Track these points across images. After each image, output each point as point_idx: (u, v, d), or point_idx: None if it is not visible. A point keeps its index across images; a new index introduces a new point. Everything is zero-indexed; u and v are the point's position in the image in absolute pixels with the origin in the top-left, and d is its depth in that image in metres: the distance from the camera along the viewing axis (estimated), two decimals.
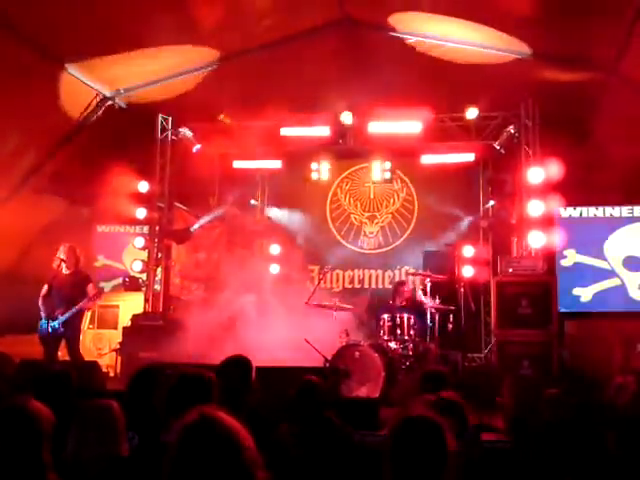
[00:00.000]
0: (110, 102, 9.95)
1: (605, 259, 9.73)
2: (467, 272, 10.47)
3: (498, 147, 10.33)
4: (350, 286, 11.74)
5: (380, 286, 11.69)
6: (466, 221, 11.39)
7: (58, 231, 9.85)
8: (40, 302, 8.11)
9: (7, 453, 2.56)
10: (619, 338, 8.41)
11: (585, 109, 9.50)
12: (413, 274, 10.51)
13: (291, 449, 3.73)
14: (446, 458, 2.29)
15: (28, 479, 2.55)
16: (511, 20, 8.06)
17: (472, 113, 10.13)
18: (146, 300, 10.72)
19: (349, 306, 9.22)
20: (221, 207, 11.79)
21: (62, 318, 7.97)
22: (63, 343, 8.19)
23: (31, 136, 9.41)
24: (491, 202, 11.28)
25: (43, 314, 8.06)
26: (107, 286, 11.52)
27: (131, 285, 11.27)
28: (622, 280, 9.68)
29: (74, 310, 8.00)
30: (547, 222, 9.55)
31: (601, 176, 9.40)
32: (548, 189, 9.62)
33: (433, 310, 9.08)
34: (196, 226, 11.52)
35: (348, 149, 11.24)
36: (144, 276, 10.97)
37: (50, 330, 7.98)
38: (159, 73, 9.50)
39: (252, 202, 12.54)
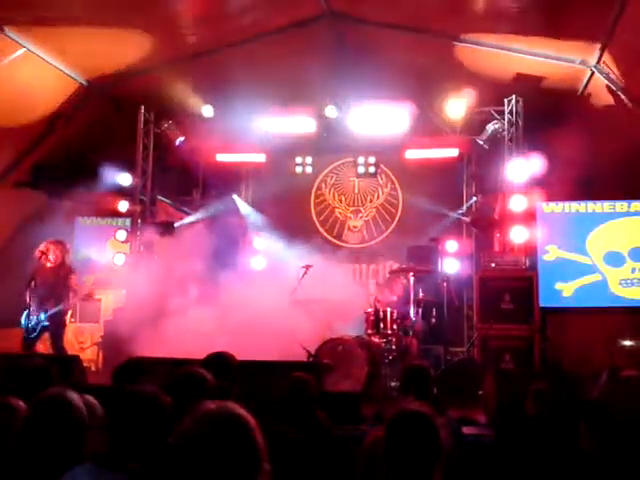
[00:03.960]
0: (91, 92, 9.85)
1: (587, 254, 9.80)
2: (450, 267, 10.52)
3: (482, 142, 10.37)
4: (334, 280, 11.70)
5: (365, 280, 11.70)
6: (450, 216, 11.41)
7: (39, 225, 9.77)
8: (26, 296, 8.03)
9: (49, 443, 2.54)
10: (600, 333, 8.49)
11: (568, 105, 9.55)
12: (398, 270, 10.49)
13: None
14: (439, 453, 2.30)
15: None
16: (493, 15, 8.07)
17: (456, 108, 10.15)
18: (128, 294, 10.63)
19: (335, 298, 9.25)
20: (207, 208, 11.74)
21: (50, 312, 7.97)
22: (45, 336, 8.17)
23: (10, 129, 9.29)
24: (474, 198, 11.32)
25: (28, 307, 7.99)
26: (89, 279, 11.41)
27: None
28: (603, 275, 9.75)
29: (62, 306, 8.01)
30: (529, 217, 9.61)
31: (583, 172, 9.47)
32: (531, 184, 9.68)
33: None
34: (181, 224, 11.47)
35: (332, 143, 11.22)
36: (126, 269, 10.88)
37: (35, 322, 7.94)
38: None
39: (236, 197, 12.47)
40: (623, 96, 8.53)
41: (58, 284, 8.15)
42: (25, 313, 7.99)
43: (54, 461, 2.49)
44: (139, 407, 2.61)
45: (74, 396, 2.67)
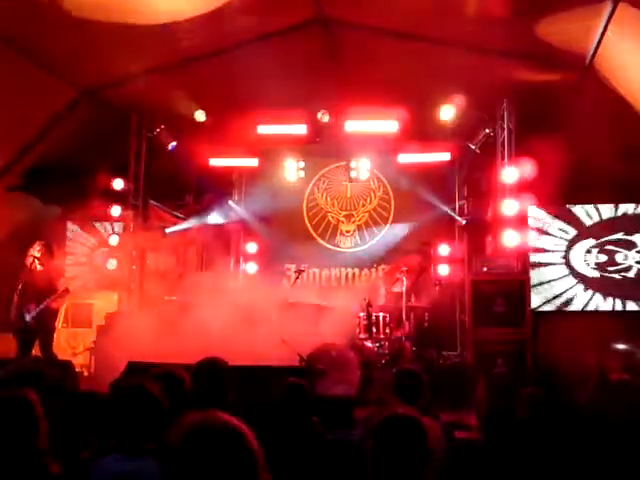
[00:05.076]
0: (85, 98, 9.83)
1: (579, 258, 9.85)
2: (443, 271, 10.55)
3: (474, 147, 10.41)
4: (326, 285, 11.74)
5: (357, 284, 11.72)
6: (442, 220, 11.43)
7: (31, 229, 9.74)
8: (15, 299, 8.04)
9: (4, 441, 2.66)
10: (592, 336, 8.53)
11: (560, 109, 9.59)
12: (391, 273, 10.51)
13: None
14: (428, 457, 2.30)
15: (26, 465, 2.62)
16: (484, 20, 8.10)
17: (448, 113, 10.19)
18: (120, 298, 10.63)
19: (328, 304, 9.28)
20: (199, 216, 11.74)
21: (33, 313, 7.91)
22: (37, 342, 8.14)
23: (3, 133, 9.27)
24: (465, 201, 11.36)
25: (17, 311, 7.98)
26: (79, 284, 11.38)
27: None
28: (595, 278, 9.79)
29: (42, 306, 7.94)
30: (521, 221, 9.65)
31: (575, 175, 9.51)
32: (522, 188, 9.73)
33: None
34: (172, 230, 11.48)
35: (325, 148, 11.25)
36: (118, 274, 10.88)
37: (22, 325, 7.90)
38: None
39: (229, 201, 12.46)
40: (615, 99, 8.58)
41: (45, 286, 8.12)
42: (16, 317, 7.98)
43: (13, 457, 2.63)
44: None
45: (31, 394, 2.82)
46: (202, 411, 1.95)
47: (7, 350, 8.00)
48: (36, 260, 8.12)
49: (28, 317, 7.92)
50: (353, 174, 11.36)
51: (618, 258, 9.62)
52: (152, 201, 11.49)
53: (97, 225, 11.64)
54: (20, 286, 8.10)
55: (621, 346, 8.97)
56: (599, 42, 7.76)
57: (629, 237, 9.67)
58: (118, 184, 10.70)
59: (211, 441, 1.86)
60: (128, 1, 7.75)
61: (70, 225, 11.71)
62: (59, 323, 9.98)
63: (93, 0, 7.59)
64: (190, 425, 1.90)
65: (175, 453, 1.87)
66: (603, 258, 9.68)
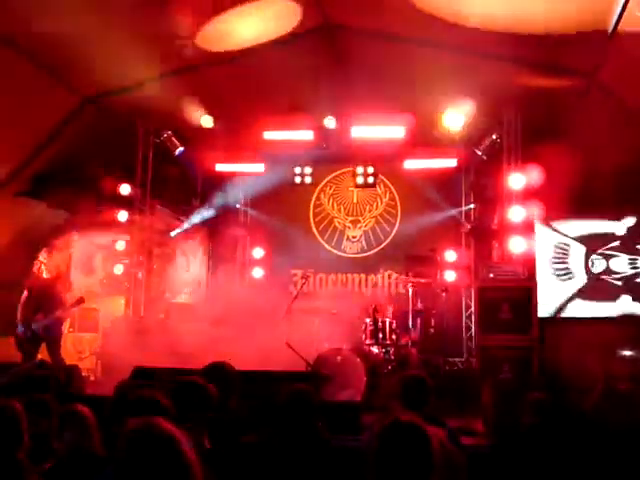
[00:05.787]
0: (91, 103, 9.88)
1: (583, 263, 9.82)
2: (449, 277, 10.54)
3: (480, 153, 10.40)
4: (333, 290, 11.73)
5: (364, 290, 11.71)
6: (448, 226, 11.43)
7: (37, 235, 9.77)
8: (19, 307, 8.02)
9: None
10: (597, 343, 8.49)
11: (567, 117, 9.58)
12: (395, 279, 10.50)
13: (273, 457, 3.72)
14: (430, 464, 2.29)
15: (4, 477, 2.63)
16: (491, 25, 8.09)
17: (455, 119, 10.18)
18: (127, 303, 10.65)
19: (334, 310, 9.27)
20: (202, 211, 11.74)
21: (41, 323, 7.90)
22: (43, 347, 8.12)
23: (10, 139, 9.31)
24: (471, 205, 11.35)
25: (21, 318, 7.96)
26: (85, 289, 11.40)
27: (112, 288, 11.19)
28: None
29: (54, 317, 7.93)
30: (528, 228, 9.64)
31: (582, 183, 9.49)
32: (529, 195, 9.71)
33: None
34: (177, 232, 11.49)
35: (331, 153, 11.26)
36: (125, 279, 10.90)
37: (29, 334, 7.88)
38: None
39: (236, 206, 12.48)
40: (623, 107, 8.56)
41: (54, 296, 8.10)
42: (18, 325, 7.96)
43: None
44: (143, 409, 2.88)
45: (17, 406, 2.82)
46: (141, 417, 2.01)
47: (12, 354, 8.02)
48: (43, 266, 8.13)
49: (36, 327, 7.90)
50: (360, 180, 11.36)
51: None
52: (159, 206, 11.52)
53: (104, 229, 11.67)
54: (25, 293, 8.09)
55: (627, 353, 8.92)
56: (605, 53, 7.64)
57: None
58: (125, 189, 10.74)
59: (145, 446, 1.94)
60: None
61: (77, 230, 11.74)
62: (65, 328, 10.01)
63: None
64: (128, 431, 1.95)
65: (117, 458, 1.93)
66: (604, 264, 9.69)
